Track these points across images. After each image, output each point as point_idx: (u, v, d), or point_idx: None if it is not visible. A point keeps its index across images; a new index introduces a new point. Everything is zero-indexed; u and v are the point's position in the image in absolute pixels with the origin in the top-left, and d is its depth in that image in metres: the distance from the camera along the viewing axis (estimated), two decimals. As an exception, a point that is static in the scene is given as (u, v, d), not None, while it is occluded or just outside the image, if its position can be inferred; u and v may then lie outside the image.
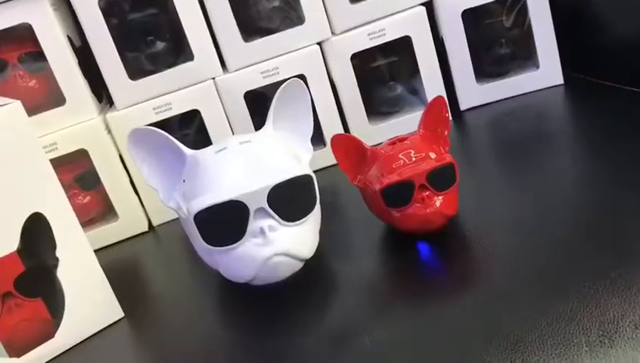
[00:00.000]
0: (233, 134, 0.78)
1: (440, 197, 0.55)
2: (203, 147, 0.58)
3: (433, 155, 0.56)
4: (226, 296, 0.59)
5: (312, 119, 0.62)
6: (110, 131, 0.75)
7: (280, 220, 0.52)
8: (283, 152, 0.57)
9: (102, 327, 0.58)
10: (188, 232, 0.56)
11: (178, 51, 0.76)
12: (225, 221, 0.52)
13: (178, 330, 0.56)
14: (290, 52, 0.76)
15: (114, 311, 0.59)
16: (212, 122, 0.76)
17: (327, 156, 0.74)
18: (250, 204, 0.51)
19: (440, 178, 0.55)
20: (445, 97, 0.77)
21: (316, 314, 0.52)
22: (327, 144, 0.78)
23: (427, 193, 0.54)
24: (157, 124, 0.74)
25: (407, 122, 0.80)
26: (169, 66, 0.75)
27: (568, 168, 0.63)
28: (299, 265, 0.54)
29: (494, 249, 0.53)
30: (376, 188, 0.55)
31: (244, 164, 0.54)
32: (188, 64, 0.75)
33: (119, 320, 0.59)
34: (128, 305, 0.60)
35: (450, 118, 0.60)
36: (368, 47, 0.78)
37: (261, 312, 0.54)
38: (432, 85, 0.80)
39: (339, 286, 0.55)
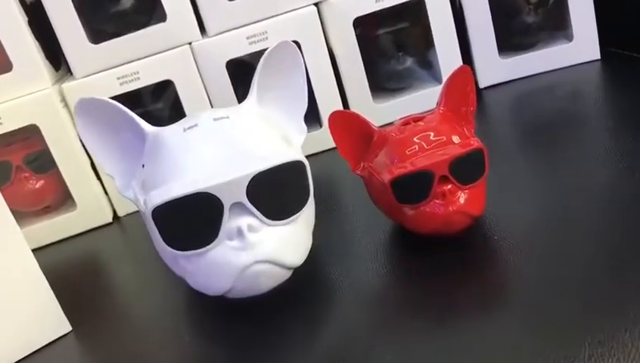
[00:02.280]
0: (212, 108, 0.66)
1: (465, 192, 0.44)
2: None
3: (456, 139, 0.45)
4: (200, 306, 0.48)
5: (306, 91, 0.50)
6: (66, 105, 0.64)
7: (262, 218, 0.41)
8: (269, 132, 0.45)
9: (44, 343, 0.48)
10: (149, 230, 0.44)
11: (149, 10, 0.65)
12: (192, 220, 0.41)
13: (139, 348, 0.45)
14: (281, 14, 0.65)
15: (59, 325, 0.48)
16: (188, 95, 0.65)
17: (323, 139, 0.64)
18: (225, 198, 0.40)
19: (466, 168, 0.44)
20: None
21: (308, 332, 0.42)
22: (324, 124, 0.67)
23: (449, 186, 0.43)
24: (123, 96, 0.63)
25: (417, 101, 0.69)
26: (138, 28, 0.64)
27: (605, 156, 0.53)
28: (287, 275, 0.43)
29: (522, 256, 0.43)
30: (385, 179, 0.44)
31: (219, 146, 0.42)
32: (160, 26, 0.64)
33: (66, 335, 0.48)
34: (80, 316, 0.50)
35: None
36: (373, 10, 0.67)
37: (241, 328, 0.44)
38: (448, 57, 0.69)
39: (335, 299, 0.45)
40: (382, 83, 0.72)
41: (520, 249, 0.44)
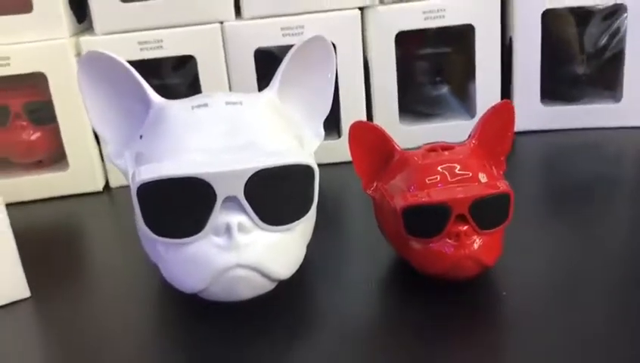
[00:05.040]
0: (231, 96, 0.62)
1: (481, 238, 0.39)
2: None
3: (483, 178, 0.40)
4: (171, 298, 0.43)
5: (331, 95, 0.46)
6: (80, 59, 0.60)
7: (256, 219, 0.37)
8: (282, 127, 0.41)
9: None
10: (134, 205, 0.40)
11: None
12: (180, 205, 0.37)
13: (96, 328, 0.41)
14: (323, 11, 0.61)
15: (17, 288, 0.44)
16: (208, 77, 0.61)
17: (340, 150, 0.60)
18: (220, 188, 0.36)
19: (488, 211, 0.39)
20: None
21: (280, 357, 0.37)
22: (344, 135, 0.63)
23: (466, 227, 0.39)
24: (142, 63, 0.59)
25: (444, 131, 0.65)
26: (171, -5, 0.60)
27: (634, 227, 0.48)
28: (269, 287, 0.39)
29: (527, 320, 0.39)
30: (397, 205, 0.40)
31: (225, 131, 0.39)
32: (194, -2, 0.60)
33: (24, 300, 0.44)
34: (43, 282, 0.46)
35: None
36: (419, 27, 0.62)
37: (208, 333, 0.40)
38: (487, 91, 0.65)
39: (318, 326, 0.40)
40: (412, 105, 0.68)
41: (527, 311, 0.39)
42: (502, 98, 0.65)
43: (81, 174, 0.62)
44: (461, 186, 0.39)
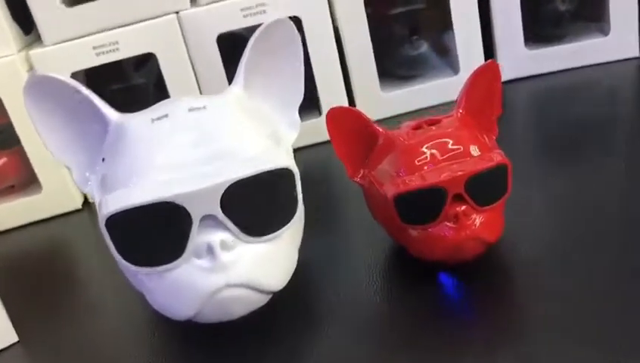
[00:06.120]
0: (199, 89, 0.59)
1: (481, 215, 0.37)
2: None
3: (475, 150, 0.37)
4: (165, 322, 0.41)
5: (302, 79, 0.43)
6: (34, 74, 0.56)
7: (239, 233, 0.34)
8: (253, 127, 0.38)
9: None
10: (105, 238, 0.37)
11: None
12: (154, 232, 0.34)
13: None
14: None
15: (5, 335, 0.42)
16: (172, 72, 0.58)
17: (322, 129, 0.56)
18: (194, 209, 0.33)
19: (485, 187, 0.37)
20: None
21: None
22: (325, 113, 0.59)
23: (464, 207, 0.36)
24: (101, 68, 0.56)
25: (429, 92, 0.62)
26: (118, -8, 0.56)
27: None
28: (264, 300, 0.36)
29: (540, 287, 0.37)
30: (388, 194, 0.37)
31: (191, 142, 0.35)
32: (144, -9, 0.55)
33: (12, 345, 0.42)
34: (31, 319, 0.44)
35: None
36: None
37: (208, 355, 0.38)
38: (468, 43, 0.61)
39: (320, 329, 0.37)
40: (392, 70, 0.65)
41: (536, 278, 0.37)
42: (484, 48, 0.62)
43: (56, 194, 0.59)
44: (453, 163, 0.37)
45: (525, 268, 0.39)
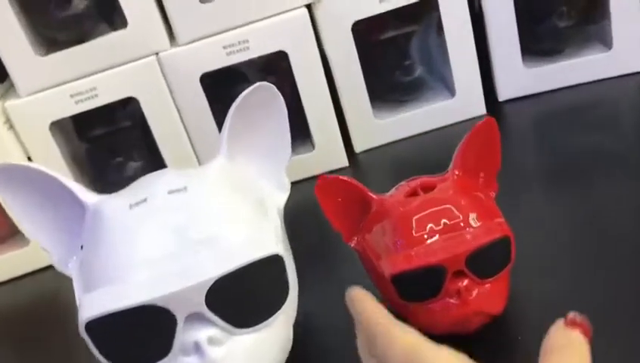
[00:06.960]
0: (186, 131, 0.56)
1: (485, 288, 0.35)
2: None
3: (475, 221, 0.35)
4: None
5: (288, 136, 0.41)
6: (12, 126, 0.54)
7: (227, 327, 0.33)
8: (240, 200, 0.36)
9: None
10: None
11: (106, 13, 0.54)
12: (137, 334, 0.32)
13: None
14: (265, 18, 0.54)
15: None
16: (156, 115, 0.55)
17: (314, 163, 0.55)
18: (178, 310, 0.31)
19: (486, 260, 0.35)
20: (481, 88, 0.57)
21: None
22: (317, 145, 0.57)
23: (466, 282, 0.34)
24: (81, 116, 0.53)
25: (426, 117, 0.60)
26: (94, 36, 0.54)
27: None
28: (260, 390, 0.34)
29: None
30: (385, 272, 0.35)
31: (172, 230, 0.33)
32: (120, 33, 0.53)
33: None
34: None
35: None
36: (376, 12, 0.55)
37: None
38: (463, 64, 0.58)
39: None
40: (386, 96, 0.62)
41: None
42: (480, 67, 0.59)
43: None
44: (452, 237, 0.35)
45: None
